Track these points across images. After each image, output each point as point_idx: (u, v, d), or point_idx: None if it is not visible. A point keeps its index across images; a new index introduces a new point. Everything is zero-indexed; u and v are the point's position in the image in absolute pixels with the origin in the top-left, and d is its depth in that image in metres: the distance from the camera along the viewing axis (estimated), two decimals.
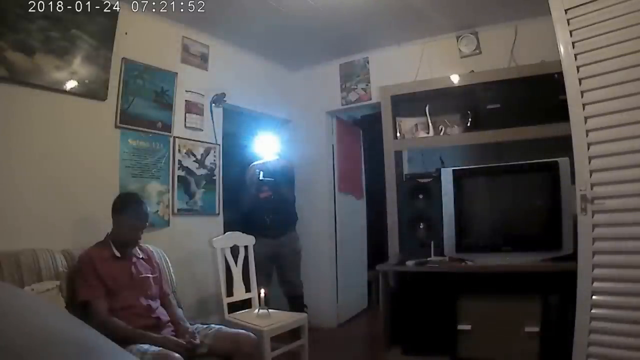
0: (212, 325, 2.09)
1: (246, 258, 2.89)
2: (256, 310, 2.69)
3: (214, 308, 3.07)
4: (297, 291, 3.43)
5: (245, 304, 2.84)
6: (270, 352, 2.36)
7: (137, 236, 2.08)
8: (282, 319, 2.58)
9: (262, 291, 2.71)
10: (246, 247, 2.91)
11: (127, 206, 2.06)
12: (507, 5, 2.96)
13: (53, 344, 0.53)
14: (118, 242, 2.03)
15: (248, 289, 2.84)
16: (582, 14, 2.04)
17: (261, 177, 3.29)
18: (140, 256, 2.13)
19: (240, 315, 2.66)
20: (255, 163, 3.48)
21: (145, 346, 1.72)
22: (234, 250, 2.87)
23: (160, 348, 1.72)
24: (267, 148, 3.48)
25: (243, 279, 2.83)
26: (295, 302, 3.37)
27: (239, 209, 3.51)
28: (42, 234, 2.14)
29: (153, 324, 1.95)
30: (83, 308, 1.84)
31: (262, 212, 3.33)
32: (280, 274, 3.45)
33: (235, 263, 2.81)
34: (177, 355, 1.69)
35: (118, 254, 2.01)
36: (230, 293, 2.74)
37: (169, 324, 2.03)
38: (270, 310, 2.66)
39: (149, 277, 2.09)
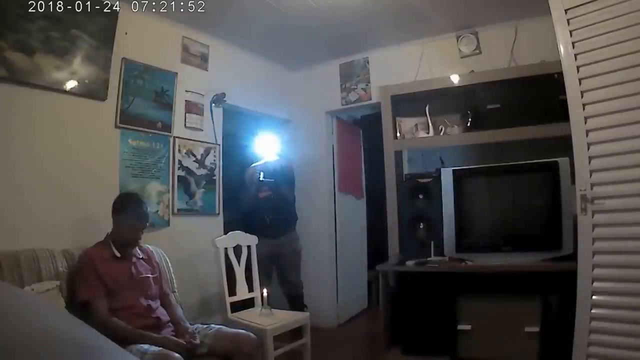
0: (212, 325, 2.08)
1: (248, 258, 2.89)
2: (259, 310, 2.69)
3: (215, 308, 3.08)
4: (297, 291, 3.44)
5: (246, 304, 2.84)
6: (273, 351, 2.37)
7: (138, 236, 2.08)
8: (285, 318, 2.60)
9: (265, 291, 2.71)
10: (249, 247, 2.91)
11: (128, 206, 2.06)
12: (507, 5, 2.96)
13: (53, 344, 0.53)
14: (118, 242, 2.03)
15: (250, 289, 2.84)
16: (582, 14, 2.04)
17: (261, 178, 3.29)
18: (140, 256, 2.13)
19: (243, 314, 2.67)
20: (255, 164, 3.48)
21: (145, 346, 1.72)
22: (236, 250, 2.87)
23: (160, 348, 1.72)
24: (267, 148, 3.48)
25: (246, 278, 2.84)
26: (296, 302, 3.37)
27: (239, 209, 3.52)
28: (42, 234, 2.14)
29: (153, 324, 1.95)
30: (83, 308, 1.84)
31: (262, 212, 3.34)
32: (281, 274, 3.45)
33: (238, 263, 2.82)
34: (177, 355, 1.69)
35: (118, 254, 2.01)
36: (233, 292, 2.75)
37: (169, 324, 2.03)
38: (272, 309, 2.66)
39: (149, 277, 2.09)
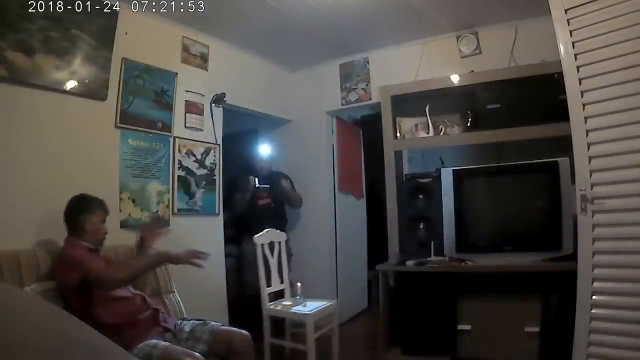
0: (208, 322, 2.07)
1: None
2: (292, 299, 2.96)
3: (216, 307, 3.09)
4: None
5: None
6: (313, 333, 2.67)
7: (106, 229, 2.08)
8: (318, 306, 2.86)
9: (299, 283, 2.94)
10: (279, 243, 3.14)
11: (91, 202, 2.03)
12: (507, 5, 2.96)
13: (53, 344, 0.53)
14: (92, 240, 1.99)
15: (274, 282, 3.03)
16: (582, 14, 2.04)
17: (257, 185, 3.42)
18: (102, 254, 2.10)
19: (279, 304, 2.95)
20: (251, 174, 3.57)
21: (153, 342, 1.73)
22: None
23: (168, 344, 1.73)
24: (263, 154, 3.64)
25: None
26: None
27: (232, 212, 3.56)
28: (42, 234, 2.14)
29: (152, 315, 1.96)
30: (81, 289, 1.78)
31: (261, 220, 3.43)
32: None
33: (273, 255, 3.04)
34: (179, 349, 1.70)
35: (93, 247, 1.99)
36: (267, 284, 2.95)
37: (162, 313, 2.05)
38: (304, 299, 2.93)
39: None
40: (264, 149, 3.70)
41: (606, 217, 1.98)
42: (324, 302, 2.94)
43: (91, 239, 1.99)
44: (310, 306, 2.84)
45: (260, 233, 3.04)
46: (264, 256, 2.98)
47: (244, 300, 3.45)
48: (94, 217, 2.01)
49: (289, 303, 2.95)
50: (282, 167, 4.04)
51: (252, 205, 3.49)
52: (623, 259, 1.93)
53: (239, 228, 3.58)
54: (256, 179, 3.44)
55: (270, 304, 2.90)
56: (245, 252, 3.59)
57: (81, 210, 2.00)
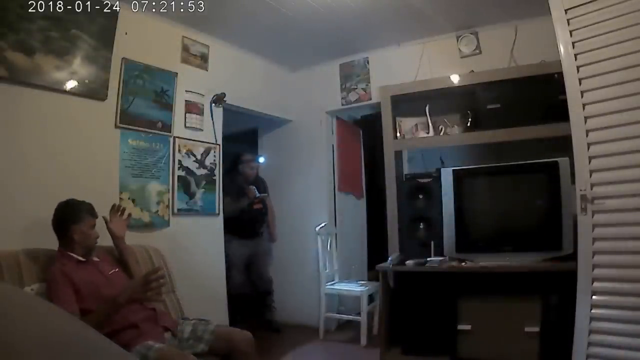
0: (210, 322, 2.05)
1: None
2: (343, 281, 3.65)
3: (216, 306, 3.09)
4: (269, 287, 3.81)
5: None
6: (367, 306, 3.33)
7: (97, 233, 2.02)
8: (367, 285, 3.51)
9: (352, 267, 3.67)
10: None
11: (78, 209, 1.98)
12: (507, 5, 2.96)
13: (54, 344, 0.53)
14: (81, 249, 1.95)
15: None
16: (582, 14, 2.04)
17: (257, 194, 3.61)
18: (96, 259, 2.05)
19: (334, 285, 3.60)
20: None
21: (150, 343, 1.71)
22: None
23: (163, 346, 1.72)
24: (255, 160, 3.84)
25: None
26: (267, 298, 3.76)
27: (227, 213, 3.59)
28: (42, 234, 2.13)
29: (151, 315, 1.94)
30: None
31: (255, 223, 3.68)
32: (255, 271, 3.77)
33: (327, 246, 3.66)
34: (173, 351, 1.69)
35: (82, 259, 1.94)
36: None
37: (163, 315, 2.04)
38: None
39: (117, 271, 2.05)
40: (256, 155, 3.94)
41: (606, 217, 1.98)
42: (367, 283, 3.61)
43: (81, 248, 1.95)
44: (362, 286, 3.45)
45: (320, 225, 3.62)
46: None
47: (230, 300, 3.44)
48: (82, 225, 1.94)
49: (343, 284, 3.63)
50: (282, 167, 4.05)
51: (249, 208, 3.60)
52: (623, 259, 1.93)
53: (226, 229, 3.57)
54: (255, 189, 3.56)
55: (328, 283, 3.53)
56: (229, 252, 3.60)
57: (68, 219, 1.94)
